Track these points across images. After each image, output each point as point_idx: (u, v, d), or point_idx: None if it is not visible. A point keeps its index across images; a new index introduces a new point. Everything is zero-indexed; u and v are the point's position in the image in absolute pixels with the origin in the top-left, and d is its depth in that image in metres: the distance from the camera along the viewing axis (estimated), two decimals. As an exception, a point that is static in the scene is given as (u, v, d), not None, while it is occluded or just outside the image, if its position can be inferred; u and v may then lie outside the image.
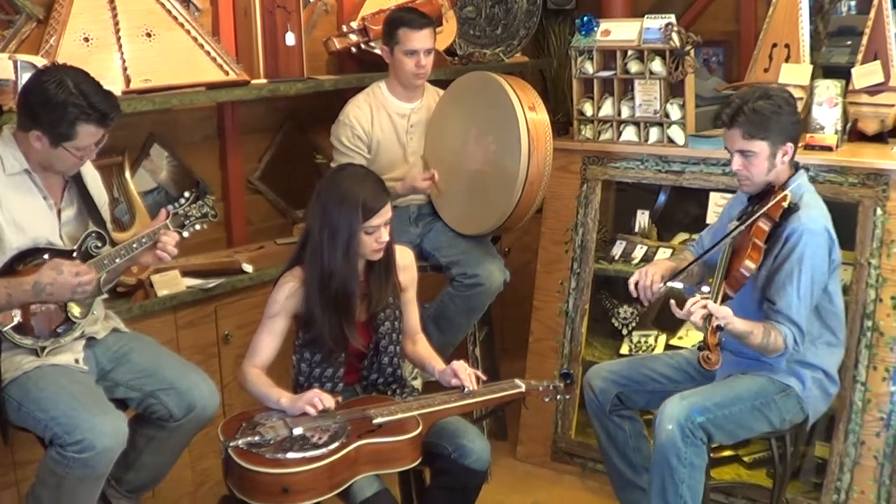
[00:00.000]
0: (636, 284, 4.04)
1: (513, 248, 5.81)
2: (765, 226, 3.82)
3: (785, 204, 3.84)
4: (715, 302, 3.68)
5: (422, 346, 4.11)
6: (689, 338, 5.11)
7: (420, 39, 4.89)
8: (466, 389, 3.81)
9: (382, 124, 4.98)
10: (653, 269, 4.08)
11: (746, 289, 3.89)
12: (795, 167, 4.00)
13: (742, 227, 3.85)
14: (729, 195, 4.56)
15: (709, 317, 3.63)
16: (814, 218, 3.87)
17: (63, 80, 3.57)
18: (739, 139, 3.85)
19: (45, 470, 3.61)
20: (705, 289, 3.82)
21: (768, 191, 3.93)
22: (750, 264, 3.75)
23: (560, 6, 6.48)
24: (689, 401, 3.82)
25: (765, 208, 3.82)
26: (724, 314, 3.67)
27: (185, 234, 3.93)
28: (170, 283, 4.57)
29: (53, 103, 3.55)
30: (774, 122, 3.83)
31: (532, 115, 4.65)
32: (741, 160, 3.88)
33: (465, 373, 3.84)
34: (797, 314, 3.85)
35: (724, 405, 3.83)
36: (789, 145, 3.90)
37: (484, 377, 3.89)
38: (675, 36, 4.83)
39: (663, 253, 5.01)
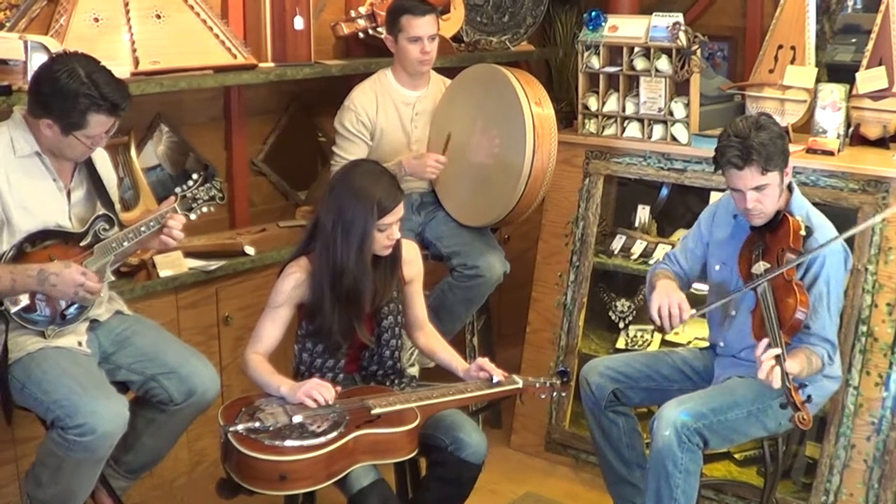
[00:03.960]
0: (659, 312, 3.97)
1: (512, 236, 5.85)
2: (793, 262, 3.81)
3: (802, 232, 3.85)
4: (783, 356, 3.63)
5: (440, 347, 4.14)
6: (685, 333, 5.14)
7: (423, 26, 4.90)
8: (496, 379, 3.87)
9: (387, 112, 5.00)
10: (674, 295, 3.99)
11: (744, 315, 3.95)
12: (789, 187, 4.01)
13: (781, 271, 3.80)
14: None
15: (787, 377, 3.58)
16: (828, 236, 3.90)
17: (75, 69, 3.58)
18: (758, 175, 3.80)
19: (45, 451, 3.65)
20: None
21: (776, 218, 3.93)
22: (804, 308, 3.75)
23: (567, -5, 6.48)
24: (686, 406, 3.84)
25: (787, 245, 3.83)
26: (794, 368, 3.66)
27: (193, 216, 3.95)
28: (172, 264, 4.59)
29: (65, 93, 3.56)
30: (780, 149, 3.84)
31: (538, 109, 4.67)
32: (755, 195, 3.84)
33: (490, 365, 3.90)
34: (830, 333, 3.90)
35: (722, 411, 3.85)
36: (790, 166, 3.93)
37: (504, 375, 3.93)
38: (682, 35, 4.84)
39: (662, 249, 5.03)
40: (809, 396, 3.58)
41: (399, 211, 3.80)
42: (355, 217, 3.73)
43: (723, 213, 4.19)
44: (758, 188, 3.84)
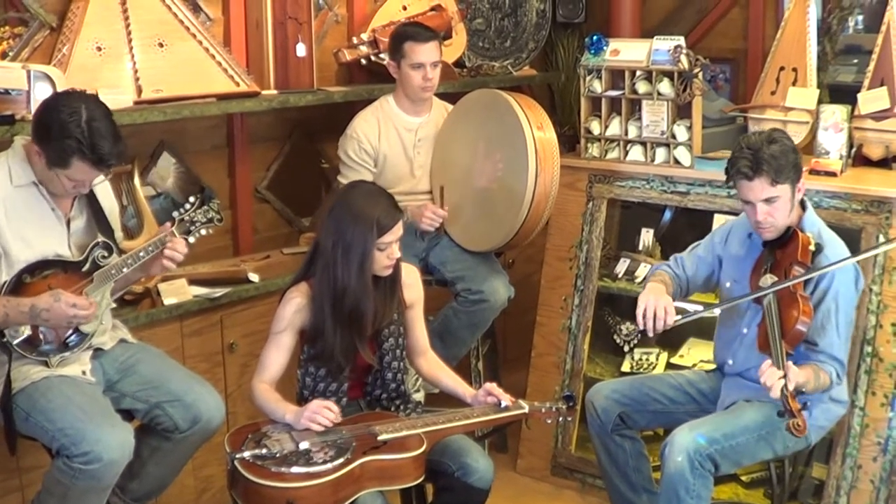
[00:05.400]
0: (643, 314, 3.99)
1: (516, 260, 5.84)
2: (801, 275, 3.82)
3: (811, 248, 3.85)
4: (782, 365, 3.64)
5: (443, 373, 4.13)
6: (690, 356, 5.15)
7: (426, 52, 4.91)
8: (504, 404, 3.86)
9: (390, 138, 5.00)
10: (662, 298, 4.01)
11: (754, 331, 3.96)
12: (801, 203, 4.02)
13: (787, 284, 3.81)
14: (732, 217, 4.56)
15: (785, 384, 3.58)
16: (839, 254, 3.91)
17: (78, 111, 3.58)
18: (767, 187, 3.82)
19: (51, 479, 3.65)
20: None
21: (786, 234, 3.94)
22: (806, 319, 3.75)
23: (569, 19, 6.48)
24: (698, 431, 3.83)
25: (795, 259, 3.83)
26: (798, 377, 3.66)
27: (192, 239, 3.95)
28: (176, 292, 4.59)
29: (59, 129, 3.57)
30: (791, 162, 3.85)
31: (540, 134, 4.68)
32: (766, 208, 3.86)
33: (498, 390, 3.89)
34: (839, 351, 3.90)
35: (733, 436, 3.84)
36: (802, 181, 3.93)
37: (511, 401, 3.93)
38: (683, 58, 4.85)
39: (666, 272, 5.02)
40: (805, 404, 3.60)
41: (398, 230, 3.80)
42: (355, 237, 3.74)
43: (738, 230, 4.20)
44: (768, 200, 3.85)
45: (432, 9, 5.63)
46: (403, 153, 5.03)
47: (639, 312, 4.00)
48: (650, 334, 4.04)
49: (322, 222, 3.90)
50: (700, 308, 4.24)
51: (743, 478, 4.80)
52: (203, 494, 4.76)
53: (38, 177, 3.74)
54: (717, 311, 4.29)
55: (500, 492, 3.90)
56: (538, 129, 4.68)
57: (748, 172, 3.83)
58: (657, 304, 3.97)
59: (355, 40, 5.39)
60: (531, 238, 4.88)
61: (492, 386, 3.91)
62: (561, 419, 4.14)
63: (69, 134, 3.56)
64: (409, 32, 4.95)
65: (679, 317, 3.99)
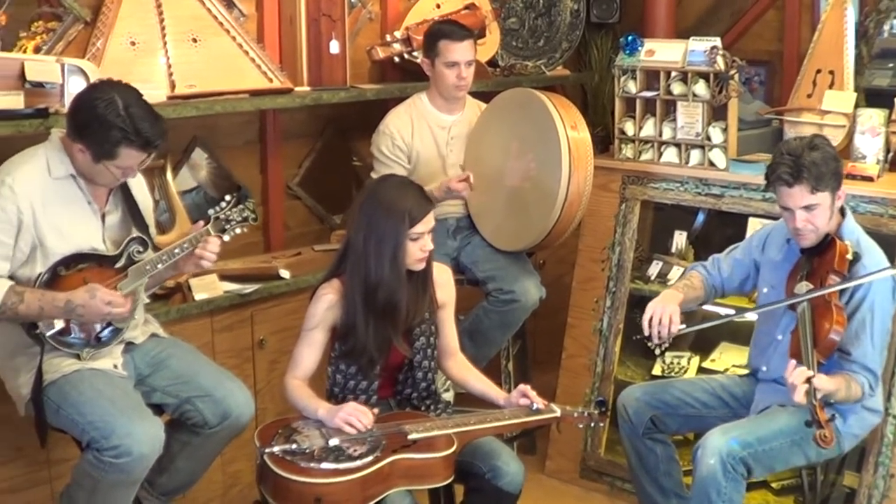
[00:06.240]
0: (650, 321, 3.99)
1: (548, 261, 5.82)
2: (837, 284, 3.79)
3: (849, 256, 3.82)
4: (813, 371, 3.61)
5: (472, 376, 4.10)
6: (721, 360, 5.11)
7: (460, 51, 4.89)
8: (535, 406, 3.84)
9: (423, 136, 4.99)
10: (669, 306, 4.00)
11: (788, 338, 3.92)
12: (841, 211, 3.99)
13: (822, 293, 3.78)
14: (767, 221, 4.54)
15: (812, 392, 3.55)
16: (877, 263, 3.88)
17: (113, 100, 3.58)
18: (807, 194, 3.79)
19: (80, 472, 3.65)
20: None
21: (824, 241, 3.91)
22: (839, 328, 3.73)
23: (603, 20, 6.45)
24: (731, 435, 3.80)
25: (832, 268, 3.80)
26: (826, 386, 3.63)
27: (226, 237, 3.94)
28: (207, 287, 4.59)
29: (99, 122, 3.57)
30: (832, 169, 3.81)
31: (574, 133, 4.65)
32: (805, 215, 3.82)
33: (532, 392, 3.87)
34: (872, 361, 3.86)
35: (766, 440, 3.81)
36: (842, 190, 3.90)
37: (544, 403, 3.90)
38: (719, 59, 4.82)
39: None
40: (834, 415, 3.57)
41: (430, 220, 3.78)
42: (387, 228, 3.72)
43: (777, 235, 4.16)
44: (807, 208, 3.82)
45: (466, 7, 5.62)
46: (436, 151, 5.01)
47: (645, 319, 4.01)
48: (655, 341, 4.03)
49: (353, 217, 3.89)
50: (724, 314, 4.23)
51: (773, 485, 4.76)
52: (231, 490, 4.76)
53: (82, 171, 3.73)
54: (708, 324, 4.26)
55: (528, 494, 3.87)
56: (572, 129, 4.66)
57: (788, 179, 3.80)
58: (663, 312, 3.97)
59: (388, 38, 5.38)
60: (563, 239, 4.86)
61: (526, 388, 3.89)
62: (592, 424, 4.10)
63: (111, 125, 3.56)
64: (444, 31, 4.94)
65: (683, 326, 4.00)
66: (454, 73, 4.91)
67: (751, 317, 4.37)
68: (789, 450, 3.86)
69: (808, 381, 3.55)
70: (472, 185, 4.75)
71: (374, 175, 4.95)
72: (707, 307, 4.50)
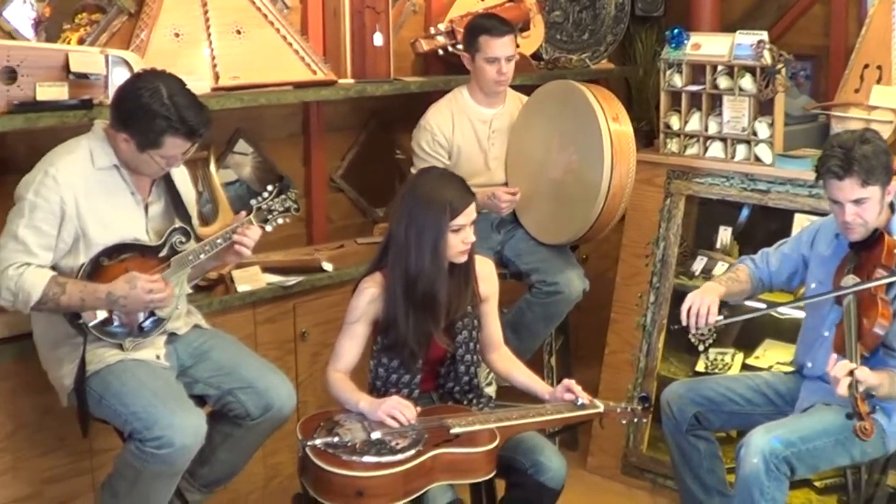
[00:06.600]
0: (687, 311, 3.98)
1: (591, 256, 5.79)
2: (884, 278, 3.75)
3: None
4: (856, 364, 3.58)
5: (517, 369, 4.07)
6: (765, 357, 5.06)
7: (501, 47, 4.86)
8: (580, 402, 3.82)
9: (464, 130, 4.98)
10: (708, 297, 3.99)
11: (833, 334, 3.88)
12: (890, 206, 3.94)
13: (868, 286, 3.75)
14: (814, 217, 4.50)
15: (854, 384, 3.51)
16: None
17: (158, 89, 3.58)
18: (857, 188, 3.75)
19: (122, 463, 3.67)
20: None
21: (872, 236, 3.86)
22: (885, 322, 3.69)
23: (648, 13, 6.41)
24: (774, 434, 3.76)
25: (879, 262, 3.77)
26: (869, 379, 3.58)
27: (269, 228, 3.94)
28: (250, 279, 4.60)
29: (144, 112, 3.57)
30: (883, 163, 3.77)
31: (616, 126, 4.63)
32: (854, 209, 3.78)
33: (577, 387, 3.85)
34: None
35: (810, 439, 3.77)
36: (892, 184, 3.85)
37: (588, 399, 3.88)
38: (766, 53, 4.77)
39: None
40: (875, 407, 3.57)
41: (472, 212, 3.76)
42: (428, 220, 3.70)
43: (826, 230, 4.12)
44: (857, 201, 3.78)
45: (510, 0, 5.58)
46: (478, 145, 5.00)
47: (683, 309, 4.01)
48: (692, 331, 4.05)
49: (395, 209, 3.88)
50: (761, 307, 4.25)
51: (817, 484, 4.71)
52: (271, 482, 4.76)
53: (126, 162, 3.74)
54: (763, 313, 4.26)
55: (570, 490, 3.86)
56: (614, 121, 4.63)
57: (838, 172, 3.76)
58: (702, 303, 3.96)
59: (433, 30, 5.37)
60: (606, 231, 4.84)
61: (570, 382, 3.86)
62: (635, 420, 4.07)
63: (156, 114, 3.57)
64: (484, 25, 4.91)
65: (721, 317, 3.98)
66: (494, 68, 4.88)
67: (795, 313, 4.33)
68: (833, 449, 3.82)
69: (851, 373, 3.52)
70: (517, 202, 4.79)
71: (413, 171, 4.94)
72: (749, 302, 4.45)
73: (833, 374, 3.56)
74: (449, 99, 5.06)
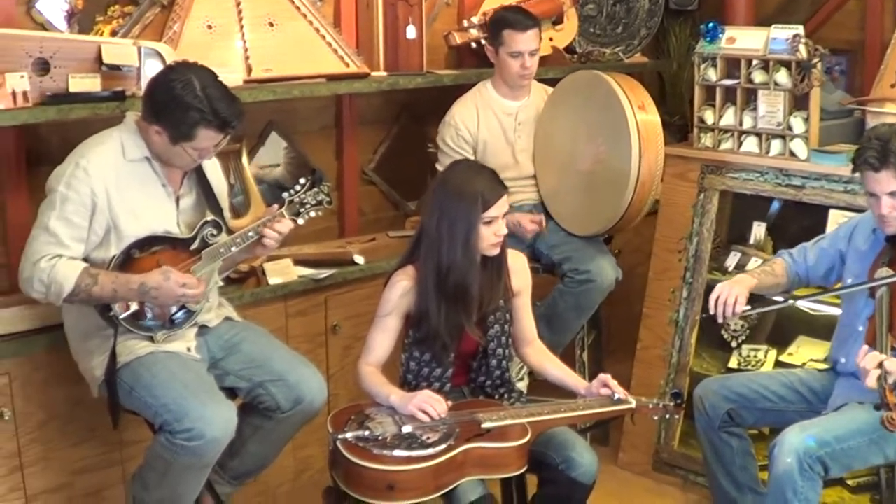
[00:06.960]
0: (716, 300, 3.97)
1: (623, 250, 5.75)
2: None
3: None
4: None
5: (550, 363, 4.06)
6: (799, 354, 5.02)
7: (524, 41, 4.86)
8: (617, 397, 3.80)
9: (489, 124, 4.97)
10: (737, 287, 3.98)
11: (865, 330, 3.86)
12: None
13: None
14: (850, 213, 4.46)
15: (883, 375, 3.48)
16: None
17: (190, 81, 3.58)
18: (893, 180, 3.73)
19: (153, 455, 3.67)
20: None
21: None
22: None
23: (682, 7, 6.38)
24: (808, 433, 3.72)
25: None
26: None
27: (301, 221, 3.93)
28: (282, 272, 4.60)
29: (177, 104, 3.57)
30: None
31: (642, 114, 4.62)
32: (890, 201, 3.76)
33: (613, 382, 3.83)
34: None
35: (844, 438, 3.73)
36: None
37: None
38: (802, 48, 4.72)
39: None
40: None
41: (503, 204, 3.74)
42: (459, 212, 3.69)
43: (863, 226, 4.09)
44: (893, 194, 3.76)
45: (543, -7, 5.58)
46: (504, 138, 4.99)
47: (711, 298, 4.00)
48: (719, 320, 4.01)
49: (426, 202, 3.88)
50: (780, 300, 4.25)
51: (849, 482, 4.67)
52: (302, 475, 4.77)
53: (158, 154, 3.74)
54: (794, 303, 4.29)
55: (601, 485, 3.84)
56: (640, 110, 4.62)
57: (875, 163, 3.73)
58: (730, 293, 3.96)
59: (466, 23, 5.37)
60: (637, 221, 4.82)
61: (607, 377, 3.84)
62: (668, 416, 4.05)
63: (189, 106, 3.56)
64: (508, 19, 4.90)
65: (748, 307, 3.98)
66: (518, 62, 4.88)
67: (830, 310, 4.29)
68: (867, 448, 3.78)
69: (880, 365, 3.49)
70: (544, 230, 4.81)
71: (438, 167, 4.93)
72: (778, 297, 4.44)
73: (862, 366, 3.53)
74: (474, 93, 5.06)
